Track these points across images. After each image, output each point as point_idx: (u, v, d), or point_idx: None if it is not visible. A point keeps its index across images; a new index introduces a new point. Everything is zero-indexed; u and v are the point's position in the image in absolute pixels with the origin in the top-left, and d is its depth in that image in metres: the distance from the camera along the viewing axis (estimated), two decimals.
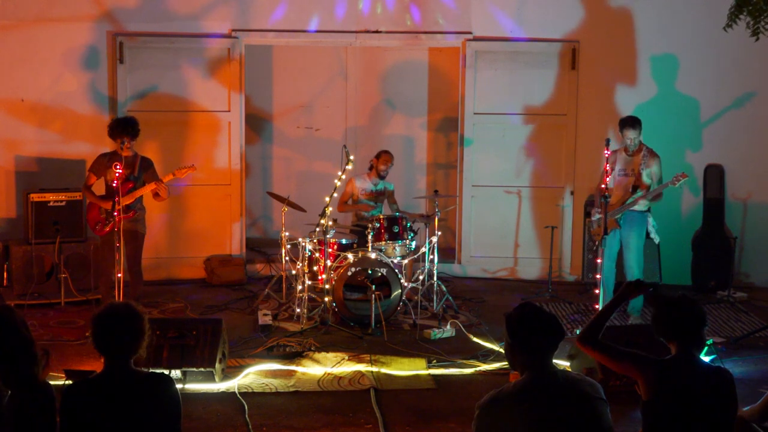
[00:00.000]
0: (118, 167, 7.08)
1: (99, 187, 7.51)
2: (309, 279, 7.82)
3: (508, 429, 3.45)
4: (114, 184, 7.04)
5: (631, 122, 7.75)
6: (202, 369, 6.11)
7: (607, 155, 7.53)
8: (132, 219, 7.40)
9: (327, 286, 7.65)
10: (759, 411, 4.39)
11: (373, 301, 7.42)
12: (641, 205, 7.75)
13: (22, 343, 3.67)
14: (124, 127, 7.37)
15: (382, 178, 8.84)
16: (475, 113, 9.54)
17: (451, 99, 10.22)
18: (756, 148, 9.37)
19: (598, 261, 7.64)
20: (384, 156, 8.84)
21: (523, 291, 9.12)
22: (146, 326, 3.70)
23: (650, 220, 7.89)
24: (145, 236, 7.60)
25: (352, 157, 7.90)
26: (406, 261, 8.18)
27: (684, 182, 7.60)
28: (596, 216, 7.93)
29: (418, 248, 8.28)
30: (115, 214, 7.04)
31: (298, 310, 7.77)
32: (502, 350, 6.63)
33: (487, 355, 6.86)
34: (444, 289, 8.19)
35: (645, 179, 7.76)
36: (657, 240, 7.95)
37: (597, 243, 7.89)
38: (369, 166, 8.93)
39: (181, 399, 3.71)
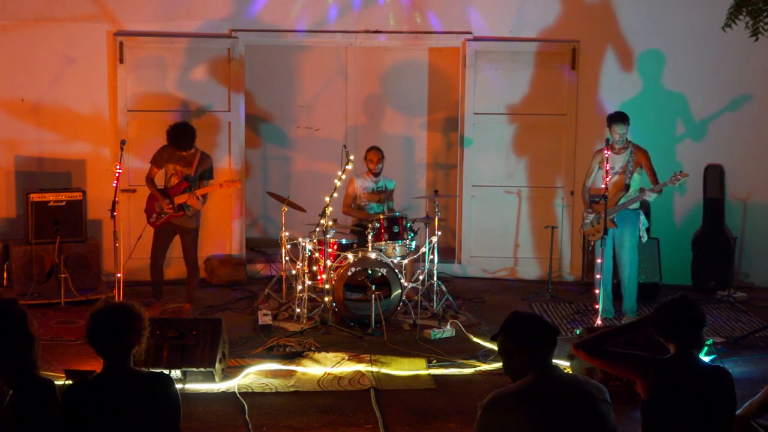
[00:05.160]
0: (118, 167, 7.30)
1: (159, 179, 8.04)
2: (309, 279, 7.82)
3: (511, 428, 3.45)
4: (114, 184, 7.27)
5: (620, 117, 7.76)
6: (202, 369, 6.11)
7: (607, 155, 7.55)
8: (183, 216, 7.84)
9: (327, 286, 7.66)
10: (757, 405, 4.39)
11: (373, 301, 7.42)
12: (634, 204, 7.76)
13: (25, 338, 3.67)
14: (177, 142, 7.74)
15: (376, 175, 8.82)
16: (475, 113, 9.54)
17: (451, 99, 10.22)
18: (756, 148, 9.37)
19: (598, 261, 7.65)
20: (369, 154, 8.79)
21: (523, 291, 9.11)
22: (142, 325, 3.69)
23: (642, 218, 7.90)
24: (198, 230, 8.03)
25: (352, 157, 7.91)
26: (406, 261, 8.18)
27: (684, 181, 7.61)
28: (589, 218, 7.93)
29: (418, 248, 8.28)
30: (115, 214, 7.18)
31: (298, 310, 7.77)
32: None
33: (487, 355, 6.86)
34: (444, 289, 8.19)
35: (636, 179, 7.77)
36: (644, 239, 7.95)
37: (591, 244, 7.90)
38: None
39: (181, 399, 3.71)
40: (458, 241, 9.77)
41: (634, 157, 7.74)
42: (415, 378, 6.49)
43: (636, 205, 7.79)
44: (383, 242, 8.04)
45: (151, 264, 8.04)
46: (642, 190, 7.71)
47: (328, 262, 7.79)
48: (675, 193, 9.22)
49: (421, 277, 8.22)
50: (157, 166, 7.93)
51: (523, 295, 8.92)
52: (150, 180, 7.92)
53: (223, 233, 9.49)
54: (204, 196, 7.88)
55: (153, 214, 7.91)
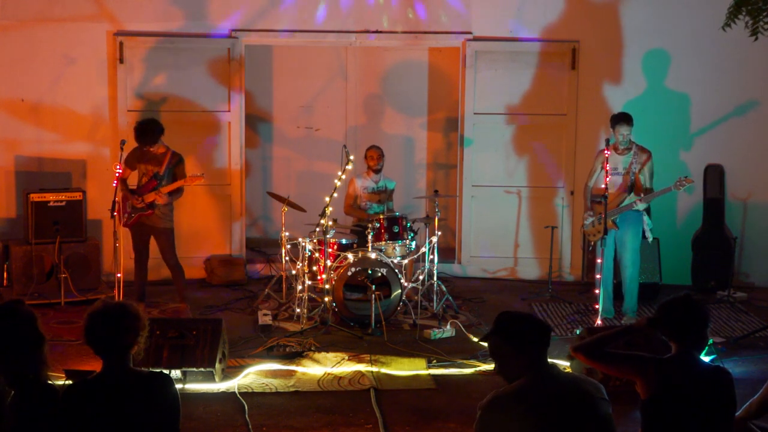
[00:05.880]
0: (118, 167, 7.32)
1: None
2: (309, 279, 7.82)
3: (510, 429, 3.45)
4: (114, 184, 7.30)
5: (624, 118, 7.76)
6: (202, 369, 6.11)
7: (607, 155, 7.54)
8: (153, 215, 7.80)
9: (327, 286, 7.66)
10: (757, 404, 4.38)
11: (373, 301, 7.42)
12: (638, 205, 7.75)
13: (33, 339, 3.66)
14: (140, 137, 7.73)
15: (376, 172, 8.83)
16: (475, 113, 9.54)
17: (451, 99, 10.21)
18: (756, 148, 9.37)
19: (598, 261, 7.65)
20: (369, 152, 8.86)
21: (523, 291, 9.11)
22: (141, 326, 3.68)
23: (645, 218, 7.89)
24: (172, 230, 7.97)
25: (352, 157, 7.91)
26: (406, 261, 8.18)
27: (688, 186, 7.60)
28: (589, 219, 7.93)
29: (418, 248, 8.28)
30: (115, 213, 7.21)
31: (298, 310, 7.77)
32: None
33: (487, 355, 6.84)
34: (444, 289, 8.18)
35: (641, 180, 7.76)
36: (650, 239, 7.94)
37: (592, 244, 7.90)
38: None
39: (180, 399, 3.71)
40: (458, 241, 9.77)
41: (638, 158, 7.73)
42: (415, 378, 6.49)
43: (641, 206, 7.77)
44: (383, 242, 8.04)
45: (134, 265, 8.04)
46: (640, 191, 7.68)
47: (328, 262, 7.79)
48: (676, 193, 9.19)
49: (421, 277, 8.22)
50: (130, 167, 7.90)
51: (523, 295, 8.92)
52: (122, 181, 7.84)
53: (223, 233, 9.49)
54: (172, 194, 7.82)
55: (124, 215, 7.85)
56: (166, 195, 7.75)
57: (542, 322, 3.69)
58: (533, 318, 3.69)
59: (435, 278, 8.15)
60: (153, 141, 7.72)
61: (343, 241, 8.19)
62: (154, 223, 7.84)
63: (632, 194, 7.74)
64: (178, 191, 7.86)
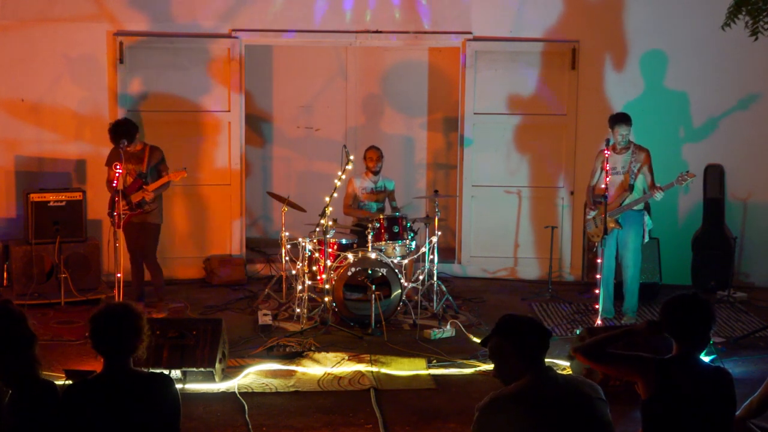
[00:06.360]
0: (118, 167, 7.30)
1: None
2: (309, 279, 7.82)
3: (508, 430, 3.45)
4: (114, 184, 7.28)
5: (623, 118, 7.77)
6: (202, 369, 6.11)
7: (606, 155, 7.54)
8: (142, 213, 7.78)
9: (327, 286, 7.66)
10: (758, 402, 4.37)
11: (373, 301, 7.42)
12: (639, 205, 7.76)
13: (25, 338, 3.66)
14: (115, 133, 7.70)
15: (375, 174, 8.84)
16: (475, 113, 9.54)
17: (451, 99, 10.21)
18: (756, 148, 9.37)
19: (598, 261, 7.65)
20: (368, 152, 8.86)
21: (523, 291, 9.11)
22: (144, 326, 3.69)
23: (646, 219, 7.90)
24: (159, 227, 7.96)
25: (352, 157, 7.91)
26: (406, 261, 8.18)
27: (691, 181, 7.60)
28: (591, 214, 7.93)
29: (418, 248, 8.28)
30: (116, 214, 7.19)
31: (298, 310, 7.77)
32: None
33: (486, 355, 6.84)
34: (444, 289, 8.18)
35: (640, 179, 7.76)
36: (646, 240, 7.95)
37: (596, 244, 7.91)
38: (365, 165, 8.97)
39: (181, 399, 3.71)
40: (458, 241, 9.77)
41: (636, 157, 7.74)
42: (415, 378, 6.49)
43: (640, 206, 7.78)
44: (383, 242, 8.04)
45: (130, 266, 8.02)
46: (652, 188, 7.66)
47: (328, 262, 7.79)
48: (676, 193, 9.21)
49: (421, 277, 8.22)
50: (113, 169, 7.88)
51: (523, 295, 8.92)
52: (109, 183, 7.82)
53: (223, 233, 9.49)
54: (158, 189, 7.82)
55: (114, 215, 7.79)
56: (152, 191, 7.75)
57: (543, 325, 3.71)
58: (535, 321, 3.71)
59: (435, 278, 8.15)
60: (130, 140, 7.72)
61: (343, 241, 8.19)
62: (144, 218, 7.84)
63: (633, 193, 7.74)
64: (164, 185, 7.88)
